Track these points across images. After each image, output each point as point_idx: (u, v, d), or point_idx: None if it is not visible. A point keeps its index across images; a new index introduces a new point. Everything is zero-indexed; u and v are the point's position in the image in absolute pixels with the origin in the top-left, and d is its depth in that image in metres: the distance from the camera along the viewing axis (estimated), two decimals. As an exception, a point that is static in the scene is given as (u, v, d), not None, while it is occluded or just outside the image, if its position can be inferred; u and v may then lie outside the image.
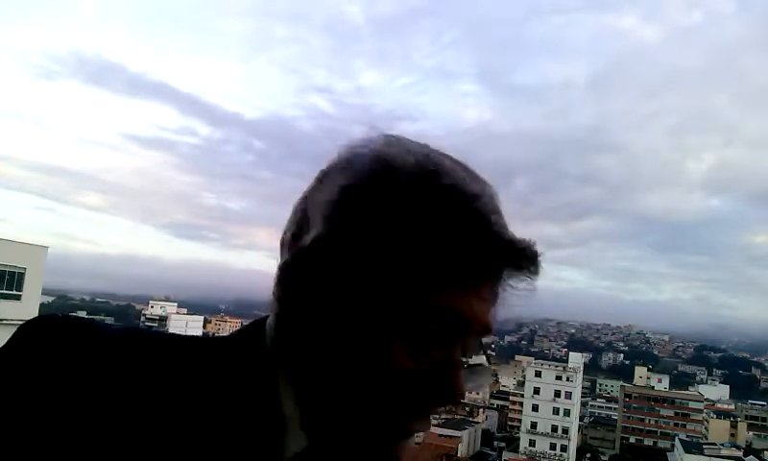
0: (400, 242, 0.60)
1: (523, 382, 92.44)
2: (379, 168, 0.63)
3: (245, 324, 0.71)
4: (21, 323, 0.63)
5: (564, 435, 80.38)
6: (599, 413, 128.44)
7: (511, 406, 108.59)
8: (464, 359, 0.64)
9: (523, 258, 0.63)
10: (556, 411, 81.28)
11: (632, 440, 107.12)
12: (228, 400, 0.63)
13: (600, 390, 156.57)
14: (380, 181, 0.62)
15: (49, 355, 0.60)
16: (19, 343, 0.61)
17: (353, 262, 0.60)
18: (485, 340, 0.66)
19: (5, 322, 19.94)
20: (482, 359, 0.66)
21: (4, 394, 0.58)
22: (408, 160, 0.63)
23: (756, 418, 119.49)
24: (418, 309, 0.60)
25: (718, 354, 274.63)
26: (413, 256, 0.60)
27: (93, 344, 0.62)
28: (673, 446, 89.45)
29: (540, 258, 0.64)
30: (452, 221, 0.60)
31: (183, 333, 0.76)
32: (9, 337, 0.62)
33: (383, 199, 0.61)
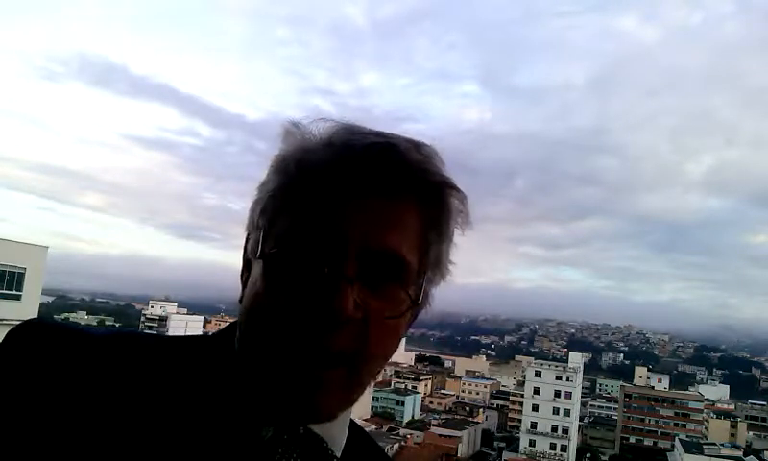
0: (293, 177, 0.65)
1: (523, 382, 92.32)
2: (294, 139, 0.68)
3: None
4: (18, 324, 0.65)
5: (564, 435, 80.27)
6: (599, 413, 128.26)
7: (511, 406, 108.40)
8: (357, 280, 0.61)
9: (375, 162, 0.61)
10: (556, 411, 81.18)
11: (632, 440, 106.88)
12: (202, 397, 0.65)
13: (600, 390, 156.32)
14: (291, 146, 0.68)
15: (33, 361, 0.62)
16: (5, 350, 0.63)
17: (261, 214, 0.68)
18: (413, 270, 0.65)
19: (5, 322, 19.91)
20: (388, 283, 0.64)
21: None
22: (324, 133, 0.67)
23: (755, 418, 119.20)
24: (301, 228, 0.62)
25: (718, 354, 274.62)
26: (299, 182, 0.64)
27: (75, 347, 0.64)
28: (673, 446, 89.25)
29: (404, 158, 0.63)
30: (330, 141, 0.65)
31: (169, 334, 0.80)
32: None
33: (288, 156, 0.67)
